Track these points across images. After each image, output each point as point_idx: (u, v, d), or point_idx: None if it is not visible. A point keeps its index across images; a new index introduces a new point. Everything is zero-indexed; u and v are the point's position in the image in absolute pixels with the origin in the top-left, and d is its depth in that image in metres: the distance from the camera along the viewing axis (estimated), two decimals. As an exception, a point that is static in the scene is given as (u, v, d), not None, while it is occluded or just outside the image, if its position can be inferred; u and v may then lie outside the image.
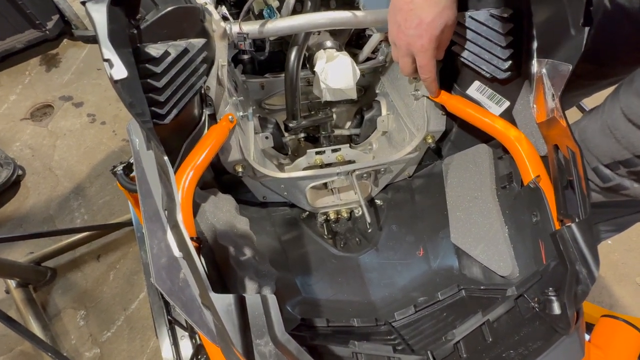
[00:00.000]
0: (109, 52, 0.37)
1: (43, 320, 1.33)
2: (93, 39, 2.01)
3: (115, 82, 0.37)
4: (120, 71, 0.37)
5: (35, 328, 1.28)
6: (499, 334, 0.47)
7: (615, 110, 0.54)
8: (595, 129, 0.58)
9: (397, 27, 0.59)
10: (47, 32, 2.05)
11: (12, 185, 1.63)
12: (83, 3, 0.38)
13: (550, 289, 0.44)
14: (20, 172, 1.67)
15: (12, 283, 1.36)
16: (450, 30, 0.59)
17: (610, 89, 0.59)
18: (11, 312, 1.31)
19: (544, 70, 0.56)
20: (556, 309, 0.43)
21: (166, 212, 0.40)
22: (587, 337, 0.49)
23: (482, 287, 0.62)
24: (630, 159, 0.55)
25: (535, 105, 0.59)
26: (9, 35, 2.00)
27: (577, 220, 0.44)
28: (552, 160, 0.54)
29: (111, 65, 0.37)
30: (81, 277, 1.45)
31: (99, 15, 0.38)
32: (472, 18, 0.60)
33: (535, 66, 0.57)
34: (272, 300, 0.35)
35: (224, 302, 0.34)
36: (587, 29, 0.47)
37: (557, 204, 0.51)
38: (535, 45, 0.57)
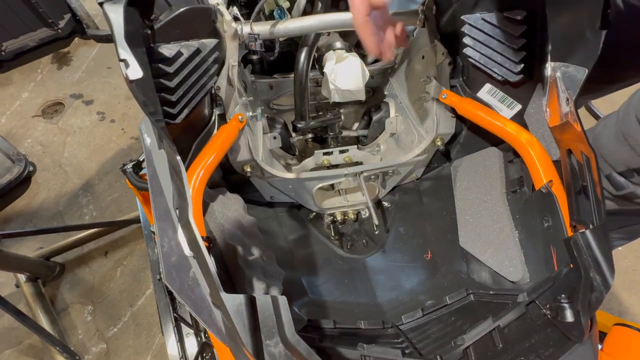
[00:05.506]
0: (125, 52, 0.38)
1: (51, 314, 1.35)
2: (105, 38, 2.04)
3: (130, 82, 0.38)
4: (135, 71, 0.38)
5: (44, 322, 1.30)
6: (509, 340, 0.47)
7: (630, 117, 0.53)
8: (610, 136, 0.57)
9: None
10: (59, 30, 2.08)
11: (24, 181, 1.66)
12: (100, 4, 0.38)
13: (563, 295, 0.44)
14: (31, 168, 1.69)
15: (22, 277, 1.38)
16: None
17: (624, 92, 0.58)
18: (21, 305, 1.33)
19: (558, 74, 0.55)
20: (569, 316, 0.42)
21: (177, 210, 0.40)
22: (599, 346, 0.48)
23: (491, 292, 0.61)
24: None
25: (548, 109, 0.58)
26: (22, 33, 2.03)
27: (591, 226, 0.43)
28: (564, 165, 0.54)
29: (127, 66, 0.38)
30: (89, 273, 1.47)
31: (116, 16, 0.38)
32: (485, 20, 0.59)
33: (548, 69, 0.56)
34: (283, 301, 0.35)
35: (234, 302, 0.34)
36: (603, 32, 0.46)
37: (570, 209, 0.50)
38: (549, 48, 0.56)
